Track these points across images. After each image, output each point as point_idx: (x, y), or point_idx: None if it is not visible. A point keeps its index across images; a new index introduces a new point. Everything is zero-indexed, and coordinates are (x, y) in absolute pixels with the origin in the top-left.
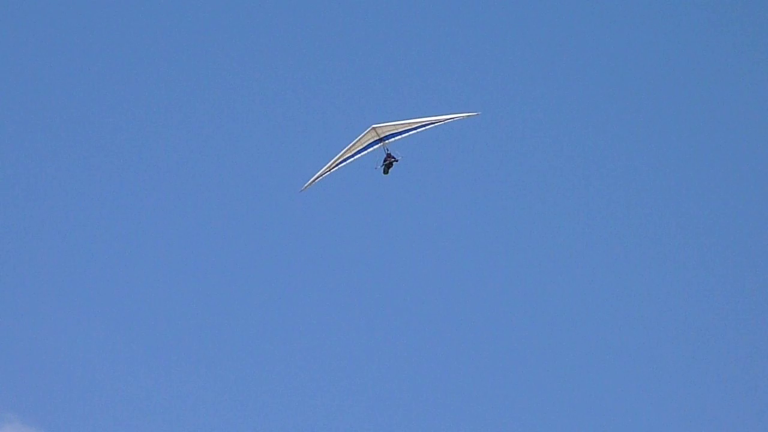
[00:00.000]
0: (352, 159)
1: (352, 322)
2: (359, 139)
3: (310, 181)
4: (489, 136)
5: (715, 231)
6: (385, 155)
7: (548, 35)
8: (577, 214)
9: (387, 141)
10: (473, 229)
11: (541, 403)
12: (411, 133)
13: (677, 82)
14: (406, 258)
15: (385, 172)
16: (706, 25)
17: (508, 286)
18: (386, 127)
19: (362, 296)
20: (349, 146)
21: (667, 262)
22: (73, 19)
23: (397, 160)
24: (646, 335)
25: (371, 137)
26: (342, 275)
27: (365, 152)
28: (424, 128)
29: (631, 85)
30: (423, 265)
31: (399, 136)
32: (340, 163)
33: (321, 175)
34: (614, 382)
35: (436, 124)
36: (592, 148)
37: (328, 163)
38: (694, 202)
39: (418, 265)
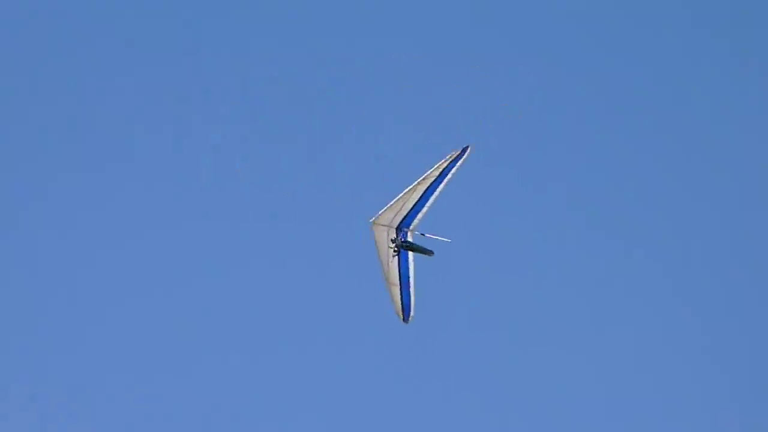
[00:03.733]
0: (410, 281)
1: None
2: (378, 244)
3: (399, 310)
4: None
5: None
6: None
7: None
8: None
9: (407, 228)
10: None
11: None
12: (427, 206)
13: None
14: None
15: (427, 252)
16: None
17: None
18: (386, 215)
19: None
20: (384, 263)
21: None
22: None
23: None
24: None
25: (385, 233)
26: None
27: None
28: (435, 195)
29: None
30: None
31: (416, 218)
32: (404, 287)
33: (398, 301)
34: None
35: (440, 184)
36: None
37: (393, 291)
38: None
39: None
